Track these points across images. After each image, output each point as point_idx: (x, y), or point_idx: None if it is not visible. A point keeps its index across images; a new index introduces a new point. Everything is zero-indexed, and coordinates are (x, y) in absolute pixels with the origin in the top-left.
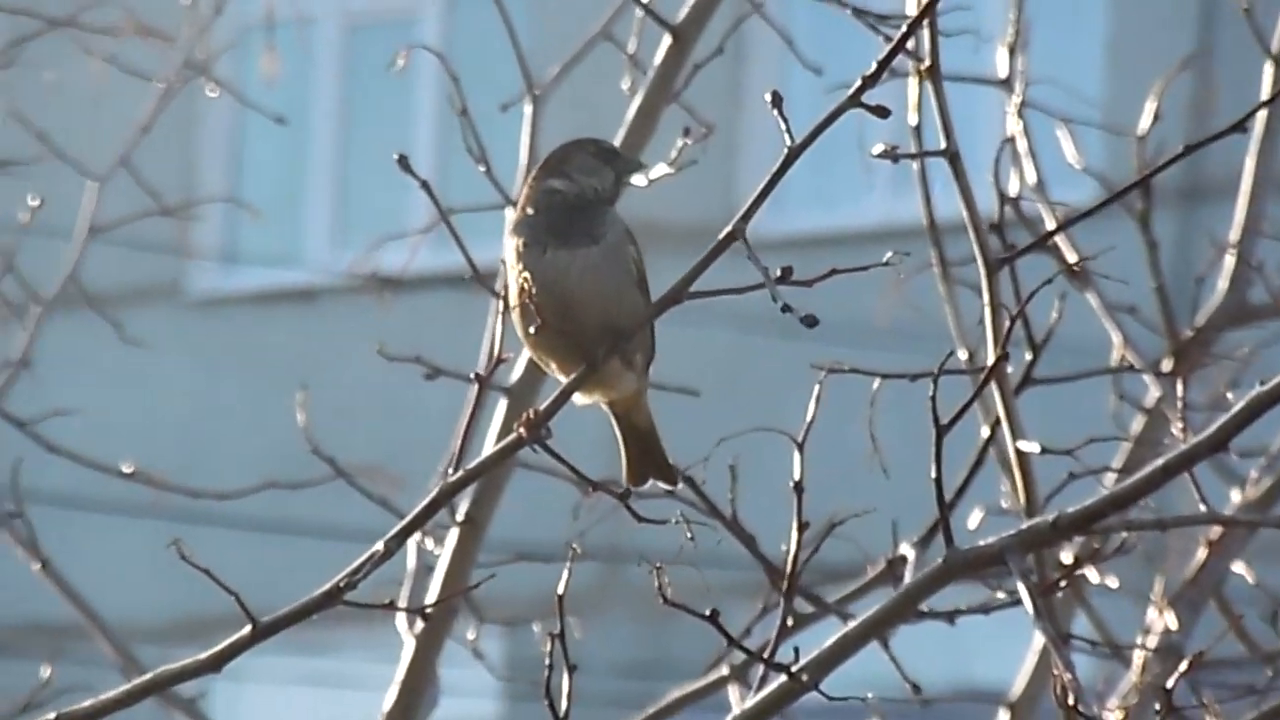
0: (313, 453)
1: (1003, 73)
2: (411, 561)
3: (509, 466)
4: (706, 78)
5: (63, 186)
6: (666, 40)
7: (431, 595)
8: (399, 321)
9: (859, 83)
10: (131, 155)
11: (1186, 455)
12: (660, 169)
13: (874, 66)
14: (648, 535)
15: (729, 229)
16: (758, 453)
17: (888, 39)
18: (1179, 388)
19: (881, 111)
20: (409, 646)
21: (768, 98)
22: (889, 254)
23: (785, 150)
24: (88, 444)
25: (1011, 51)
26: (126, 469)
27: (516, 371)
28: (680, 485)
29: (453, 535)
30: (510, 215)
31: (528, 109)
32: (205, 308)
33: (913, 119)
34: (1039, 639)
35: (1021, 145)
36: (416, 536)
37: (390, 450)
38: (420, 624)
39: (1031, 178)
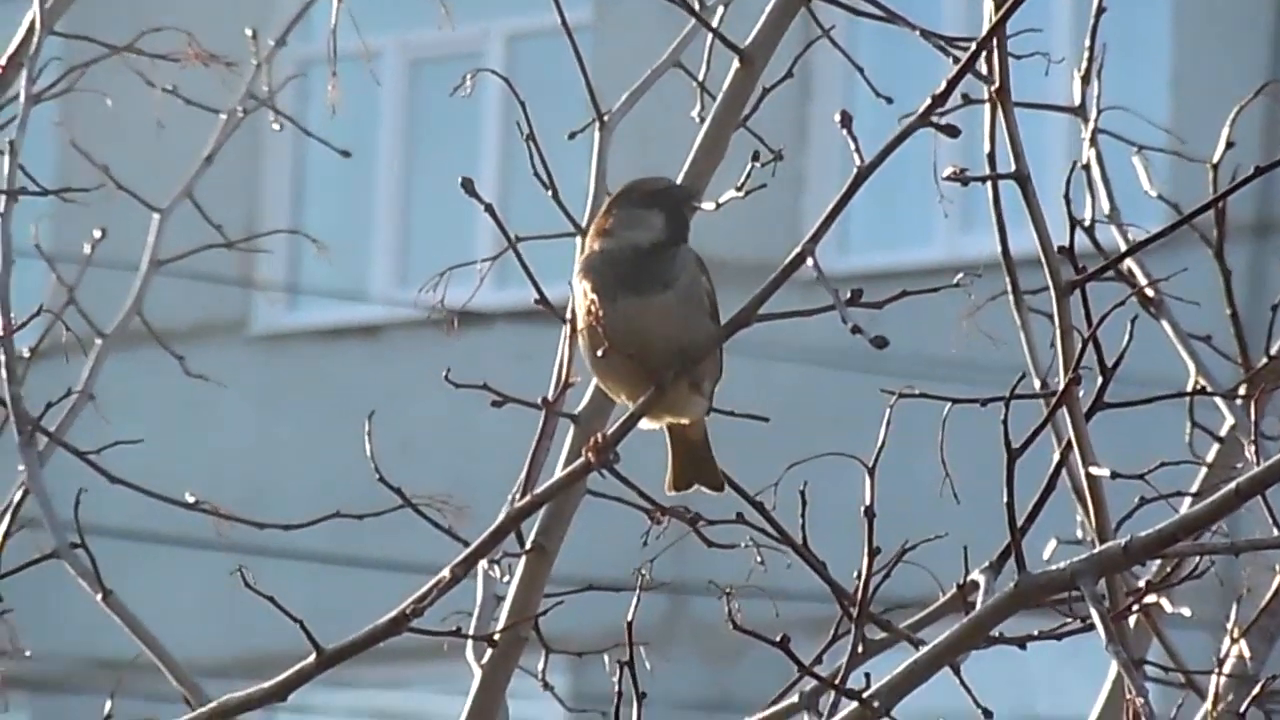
0: (379, 481)
1: (1076, 99)
2: (480, 592)
3: (578, 494)
4: (771, 111)
5: (126, 218)
6: (735, 64)
7: (500, 624)
8: (464, 356)
9: (928, 101)
10: (194, 187)
11: (1259, 478)
12: (729, 194)
13: (943, 85)
14: (714, 568)
15: (798, 249)
16: (828, 484)
17: (956, 60)
18: (1252, 413)
19: (951, 131)
20: (477, 677)
21: (836, 118)
22: (959, 275)
23: (854, 171)
24: (152, 478)
25: (1085, 78)
26: (190, 499)
27: (584, 399)
28: (725, 490)
29: (521, 564)
30: (579, 248)
31: (596, 136)
32: (270, 342)
33: (985, 146)
34: (1113, 669)
35: (1095, 172)
36: (484, 565)
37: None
38: (488, 654)
39: (1105, 205)
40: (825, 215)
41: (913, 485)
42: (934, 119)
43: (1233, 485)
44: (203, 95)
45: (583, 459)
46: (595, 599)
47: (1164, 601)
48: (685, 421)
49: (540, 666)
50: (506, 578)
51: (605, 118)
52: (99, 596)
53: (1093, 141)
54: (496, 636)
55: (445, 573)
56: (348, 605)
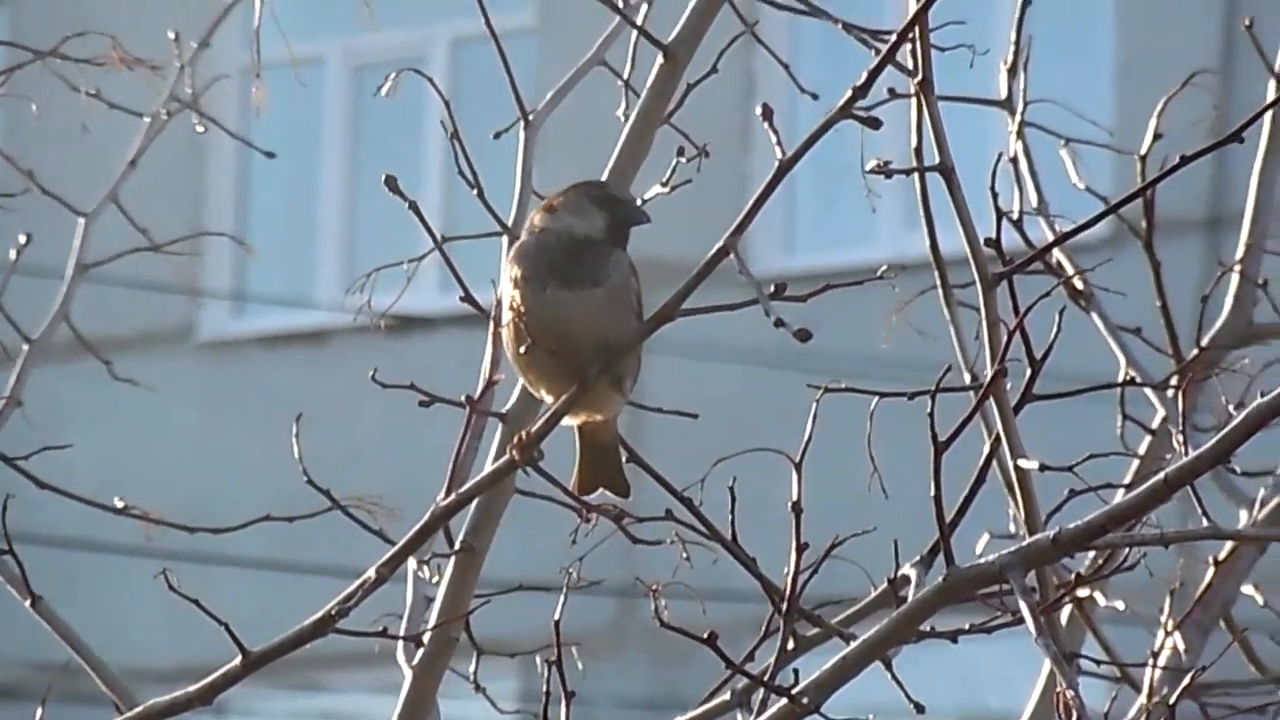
0: (307, 483)
1: (1003, 93)
2: (409, 593)
3: (506, 494)
4: (715, 115)
5: (55, 224)
6: (659, 61)
7: (429, 625)
8: (411, 360)
9: (849, 93)
10: (119, 191)
11: (1188, 468)
12: (655, 190)
13: (864, 76)
14: (660, 569)
15: (720, 243)
16: (767, 484)
17: (878, 51)
18: (1181, 403)
19: (873, 122)
20: (408, 679)
21: (758, 111)
22: (883, 268)
23: (776, 164)
24: (100, 488)
25: (1012, 71)
26: (119, 503)
27: (512, 398)
28: (631, 498)
29: (450, 564)
30: (507, 243)
31: (521, 135)
32: (216, 350)
33: (913, 140)
34: (1048, 663)
35: (1023, 166)
36: (413, 566)
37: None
38: (418, 655)
39: (1033, 199)
40: (747, 209)
41: (851, 485)
42: (856, 111)
43: (1161, 475)
44: (133, 100)
45: (507, 456)
46: (537, 602)
47: (1098, 595)
48: (600, 418)
49: (472, 669)
50: (436, 579)
51: (530, 117)
52: (27, 603)
53: (1019, 135)
54: (425, 637)
55: (370, 573)
56: (296, 612)
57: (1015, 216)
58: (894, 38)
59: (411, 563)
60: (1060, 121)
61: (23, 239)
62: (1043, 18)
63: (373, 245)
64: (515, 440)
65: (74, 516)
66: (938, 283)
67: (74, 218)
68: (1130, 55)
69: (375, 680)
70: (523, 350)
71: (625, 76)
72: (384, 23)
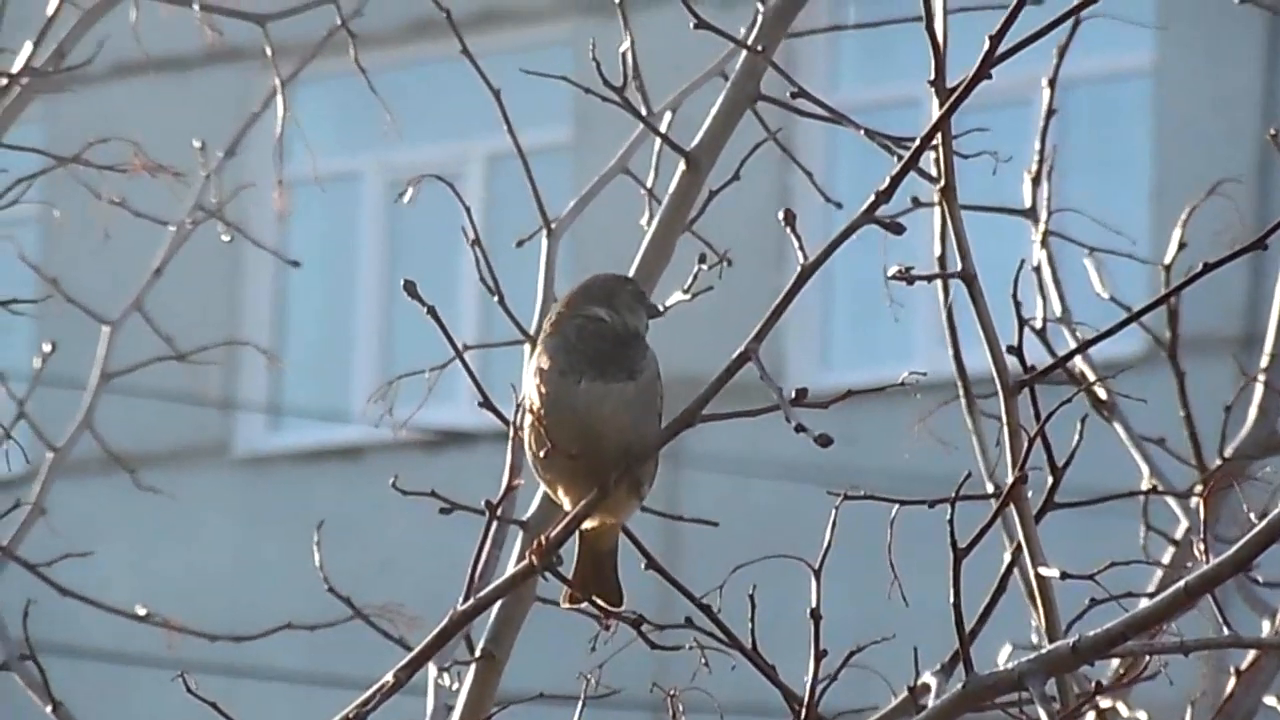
0: (329, 592)
1: (1028, 202)
2: (430, 701)
3: (526, 602)
4: (747, 226)
5: (84, 333)
6: (681, 167)
7: None
8: (447, 475)
9: (872, 198)
10: (146, 300)
11: (1209, 576)
12: (676, 296)
13: (886, 181)
14: (695, 681)
15: (741, 348)
16: (789, 596)
17: (901, 158)
18: (1203, 513)
19: (895, 227)
20: None
21: (780, 216)
22: (905, 374)
23: (798, 270)
24: (131, 601)
25: (1036, 180)
26: (141, 611)
27: (532, 505)
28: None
29: (470, 672)
30: (539, 340)
31: (544, 244)
32: (252, 465)
33: (937, 248)
34: None
35: (1046, 275)
36: (434, 674)
37: (435, 602)
38: None
39: (1056, 308)
40: (769, 314)
41: (878, 597)
42: (879, 216)
43: (1181, 583)
44: (162, 211)
45: (525, 561)
46: (564, 715)
47: (1121, 707)
48: (617, 522)
49: None
50: (456, 686)
51: (553, 225)
52: (48, 708)
53: (1044, 244)
54: None
55: (389, 677)
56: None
57: (1039, 325)
58: (917, 142)
59: (432, 670)
60: (1088, 233)
61: (48, 348)
62: (1078, 132)
63: (408, 359)
64: (534, 545)
65: (103, 630)
66: (960, 392)
67: (99, 327)
68: (1166, 170)
69: None
70: (543, 454)
71: (649, 185)
72: (420, 139)
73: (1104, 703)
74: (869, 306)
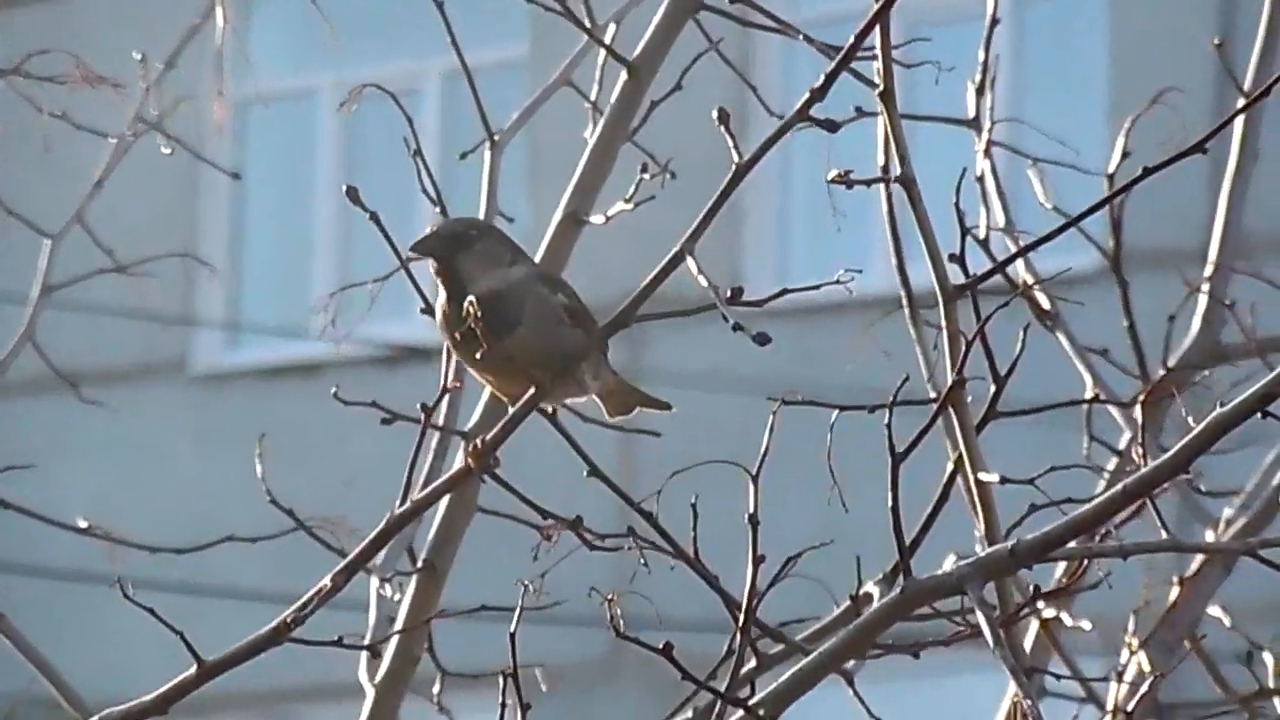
0: (270, 503)
1: (972, 112)
2: (372, 611)
3: (468, 511)
4: (709, 148)
5: (25, 248)
6: (624, 78)
7: (392, 644)
8: (405, 391)
9: (806, 96)
10: (87, 213)
11: (1147, 478)
12: (618, 206)
13: (821, 79)
14: (656, 602)
15: (676, 248)
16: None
17: (840, 61)
18: (1142, 419)
19: (830, 125)
20: (369, 697)
21: (714, 115)
22: (841, 271)
23: (732, 168)
24: (98, 520)
25: (980, 91)
26: (82, 523)
27: (474, 415)
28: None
29: (412, 583)
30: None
31: (486, 156)
32: (210, 382)
33: (880, 157)
34: (1012, 685)
35: (989, 185)
36: (375, 584)
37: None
38: (381, 673)
39: (999, 218)
40: (703, 215)
41: (828, 511)
42: (811, 115)
43: (1120, 485)
44: (108, 125)
45: (462, 464)
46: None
47: (1064, 616)
48: (583, 400)
49: (435, 690)
50: (398, 597)
51: (495, 138)
52: None
53: (986, 154)
54: (387, 654)
55: (326, 581)
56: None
57: (982, 236)
58: (850, 39)
59: (374, 581)
60: (1038, 147)
61: None
62: (1036, 48)
63: (367, 275)
64: (470, 447)
65: (56, 549)
66: (903, 300)
67: (41, 240)
68: (1123, 86)
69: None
70: (478, 356)
71: (593, 98)
72: (377, 57)
73: (1047, 612)
74: (825, 226)
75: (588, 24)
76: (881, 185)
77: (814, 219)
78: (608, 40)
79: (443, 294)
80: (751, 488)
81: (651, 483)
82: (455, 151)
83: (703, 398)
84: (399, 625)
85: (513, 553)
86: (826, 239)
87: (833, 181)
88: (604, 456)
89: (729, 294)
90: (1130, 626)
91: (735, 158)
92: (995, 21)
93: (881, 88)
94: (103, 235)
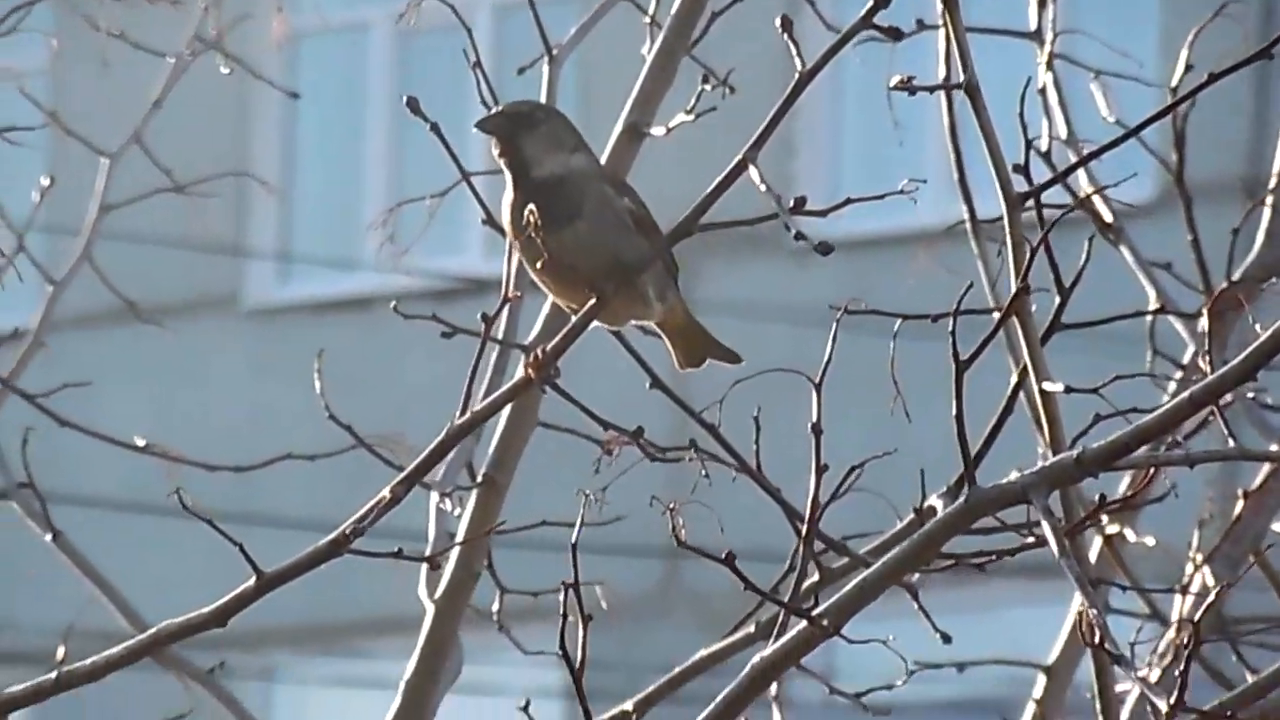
0: (329, 419)
1: (1033, 24)
2: (432, 526)
3: (528, 425)
4: (763, 81)
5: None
6: None
7: (452, 558)
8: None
9: (870, 4)
10: (144, 133)
11: (1213, 386)
12: (679, 118)
13: None
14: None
15: (739, 157)
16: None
17: None
18: (1208, 330)
19: (893, 33)
20: (430, 612)
21: (777, 23)
22: (904, 181)
23: (796, 77)
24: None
25: (1041, 3)
26: (140, 442)
27: (534, 329)
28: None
29: (472, 498)
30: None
31: (545, 70)
32: (262, 316)
33: (941, 71)
34: (1076, 601)
35: (1051, 98)
36: (435, 499)
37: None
38: (440, 588)
39: (1062, 130)
40: (765, 124)
41: (896, 429)
42: (875, 22)
43: (1186, 394)
44: (160, 43)
45: (521, 375)
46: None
47: (1128, 532)
48: (639, 323)
49: (495, 607)
50: (458, 511)
51: (554, 52)
52: (48, 537)
53: (1049, 66)
54: (447, 569)
55: (385, 492)
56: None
57: (1044, 148)
58: None
59: (434, 497)
60: (1098, 58)
61: (46, 181)
62: None
63: (420, 209)
64: (530, 358)
65: (109, 477)
66: (965, 213)
67: (99, 159)
68: (1174, 17)
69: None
70: (539, 265)
71: (652, 13)
72: None
73: (1111, 528)
74: (881, 156)
75: None
76: (943, 94)
77: (866, 151)
78: None
79: (508, 187)
80: (815, 397)
81: (705, 400)
82: (506, 76)
83: (754, 327)
84: (459, 540)
85: (572, 469)
86: (879, 169)
87: (895, 88)
88: (660, 374)
89: (791, 203)
90: (1194, 541)
91: (799, 66)
92: None
93: None
94: (159, 156)
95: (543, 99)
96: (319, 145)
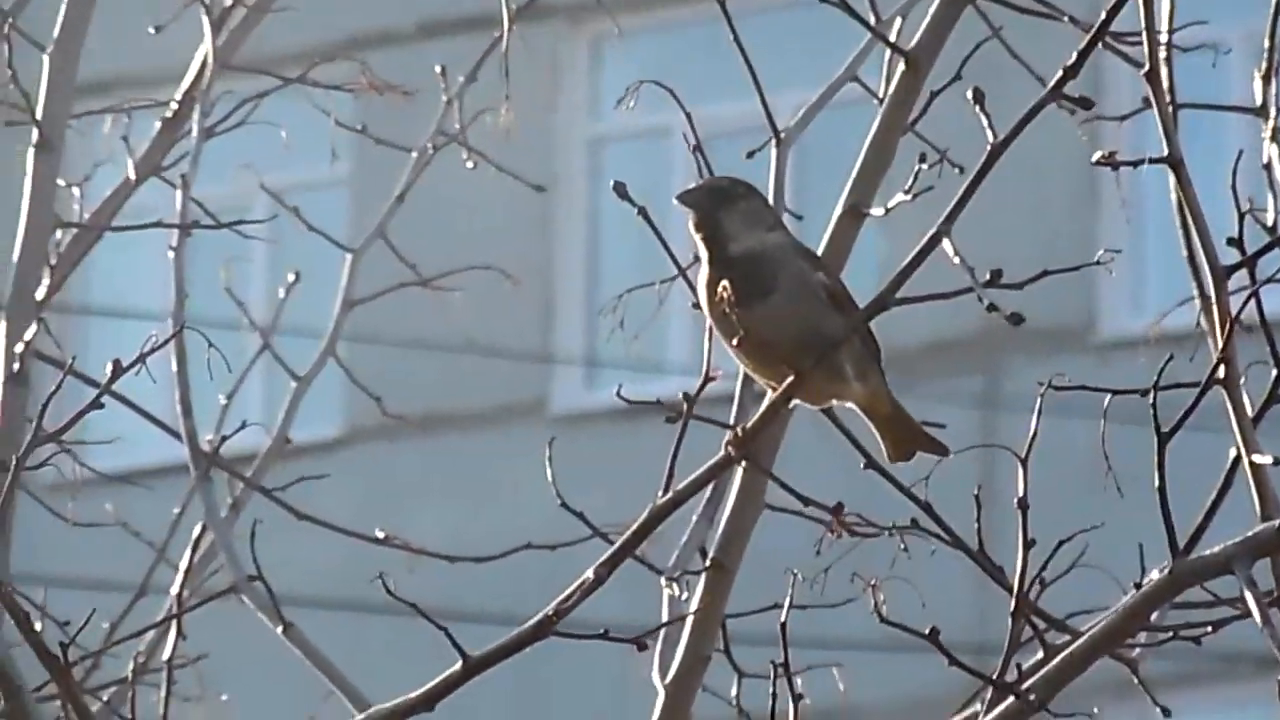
0: (560, 506)
1: (1258, 99)
2: (664, 612)
3: (755, 508)
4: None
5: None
6: (901, 68)
7: (681, 643)
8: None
9: (1060, 74)
10: (387, 226)
11: None
12: (898, 198)
13: (1073, 57)
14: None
15: (934, 230)
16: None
17: (1106, 45)
18: None
19: (1084, 102)
20: (660, 697)
21: (969, 95)
22: (1100, 252)
23: (988, 148)
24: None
25: (1266, 78)
26: (379, 534)
27: (734, 406)
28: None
29: (701, 582)
30: None
31: (773, 153)
32: (569, 422)
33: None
34: None
35: (1277, 173)
36: (664, 585)
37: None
38: (672, 672)
39: None
40: (959, 195)
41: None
42: (1065, 92)
43: None
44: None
45: (723, 453)
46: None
47: None
48: (849, 404)
49: (734, 691)
50: (686, 596)
51: (781, 134)
52: (279, 629)
53: (1275, 139)
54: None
55: (589, 574)
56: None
57: (1270, 223)
58: (1103, 16)
59: (663, 582)
60: None
61: (291, 277)
62: None
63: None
64: (731, 435)
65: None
66: (1194, 290)
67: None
68: None
69: None
70: (735, 343)
71: (880, 93)
72: (729, 95)
73: None
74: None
75: (871, 20)
76: (1169, 171)
77: (1169, 247)
78: (892, 37)
79: (704, 265)
80: (1020, 472)
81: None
82: (735, 163)
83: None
84: (688, 625)
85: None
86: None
87: (1098, 164)
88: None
89: (987, 276)
90: None
91: (990, 137)
92: None
93: (1147, 68)
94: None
95: (770, 180)
96: (623, 246)
